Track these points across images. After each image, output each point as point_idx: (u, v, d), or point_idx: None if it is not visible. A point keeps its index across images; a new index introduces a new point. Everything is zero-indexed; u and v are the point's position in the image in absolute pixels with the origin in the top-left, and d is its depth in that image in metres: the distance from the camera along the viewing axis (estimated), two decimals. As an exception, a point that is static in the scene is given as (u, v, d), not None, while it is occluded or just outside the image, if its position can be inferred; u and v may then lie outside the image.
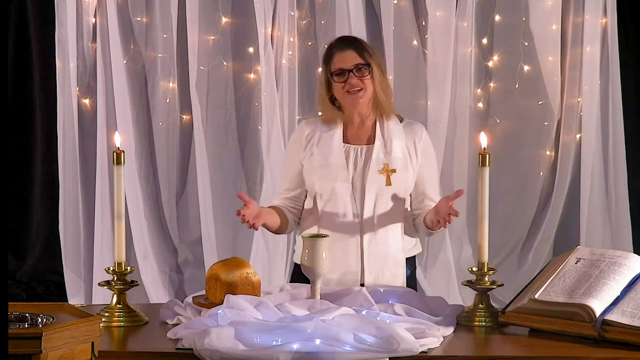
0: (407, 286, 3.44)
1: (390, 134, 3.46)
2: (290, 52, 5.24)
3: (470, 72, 5.27)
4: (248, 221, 3.32)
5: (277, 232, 3.55)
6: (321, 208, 3.45)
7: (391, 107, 3.50)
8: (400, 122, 3.52)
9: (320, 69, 3.60)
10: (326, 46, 3.56)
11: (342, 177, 3.43)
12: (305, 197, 3.55)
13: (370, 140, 3.48)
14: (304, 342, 2.61)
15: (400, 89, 5.25)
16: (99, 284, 3.10)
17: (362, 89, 3.41)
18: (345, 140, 3.49)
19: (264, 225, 3.46)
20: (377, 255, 3.41)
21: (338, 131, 3.48)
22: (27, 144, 5.49)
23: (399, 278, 3.46)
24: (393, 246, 3.44)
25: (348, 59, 3.42)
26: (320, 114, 3.61)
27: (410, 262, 3.55)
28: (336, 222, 3.43)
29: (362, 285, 3.35)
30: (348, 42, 3.49)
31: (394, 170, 3.42)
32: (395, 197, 3.44)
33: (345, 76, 3.40)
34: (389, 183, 3.42)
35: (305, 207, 3.55)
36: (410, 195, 3.51)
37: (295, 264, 3.50)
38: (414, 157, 3.48)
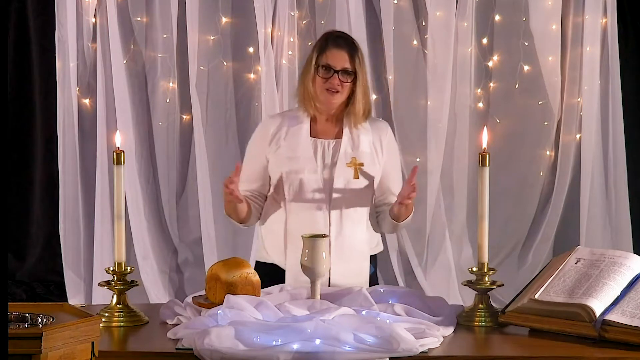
0: (370, 283, 3.50)
1: (358, 129, 3.51)
2: (290, 52, 5.24)
3: (470, 72, 5.27)
4: (232, 190, 3.33)
5: (241, 221, 3.56)
6: (289, 200, 3.48)
7: (363, 118, 3.53)
8: (365, 119, 3.57)
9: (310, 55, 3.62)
10: (324, 33, 3.59)
11: (310, 169, 3.46)
12: (268, 192, 3.57)
13: (338, 135, 3.52)
14: (304, 342, 2.61)
15: (400, 89, 5.26)
16: (99, 284, 3.10)
17: (339, 92, 3.45)
18: (313, 134, 3.52)
19: (233, 212, 3.48)
20: (344, 247, 3.45)
21: (305, 125, 3.52)
22: (27, 144, 5.49)
23: (364, 272, 3.50)
24: (359, 239, 3.48)
25: (339, 59, 3.46)
26: (289, 108, 3.64)
27: (373, 260, 3.60)
28: (304, 215, 3.46)
29: (329, 277, 3.40)
30: (346, 43, 3.51)
31: (361, 164, 3.47)
32: (362, 191, 3.49)
33: (329, 73, 3.44)
34: (356, 176, 3.47)
35: (268, 200, 3.57)
36: (374, 191, 3.56)
37: (257, 262, 3.56)
38: (380, 153, 3.53)
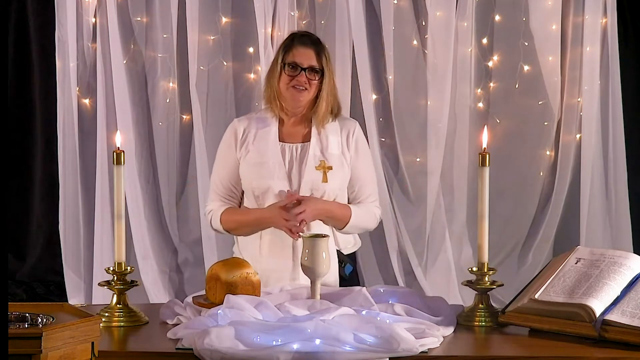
0: (349, 283, 3.50)
1: (326, 130, 3.50)
2: (290, 52, 5.24)
3: (470, 72, 5.27)
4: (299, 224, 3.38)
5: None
6: (259, 206, 3.48)
7: (331, 117, 3.52)
8: (334, 118, 3.57)
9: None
10: (290, 33, 3.61)
11: (279, 175, 3.46)
12: (242, 194, 3.57)
13: (306, 138, 3.52)
14: (304, 342, 2.61)
15: (400, 89, 5.25)
16: (99, 284, 3.10)
17: (306, 89, 3.44)
18: (281, 138, 3.51)
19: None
20: None
21: (273, 129, 3.51)
22: (27, 144, 5.49)
23: (333, 274, 3.48)
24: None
25: (306, 56, 3.47)
26: (260, 109, 3.64)
27: (351, 258, 3.60)
28: None
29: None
30: (312, 41, 3.52)
31: (330, 167, 3.47)
32: (331, 194, 3.49)
33: (296, 71, 3.44)
34: (325, 180, 3.45)
35: (244, 205, 3.58)
36: (347, 190, 3.56)
37: None
38: (348, 153, 3.52)
